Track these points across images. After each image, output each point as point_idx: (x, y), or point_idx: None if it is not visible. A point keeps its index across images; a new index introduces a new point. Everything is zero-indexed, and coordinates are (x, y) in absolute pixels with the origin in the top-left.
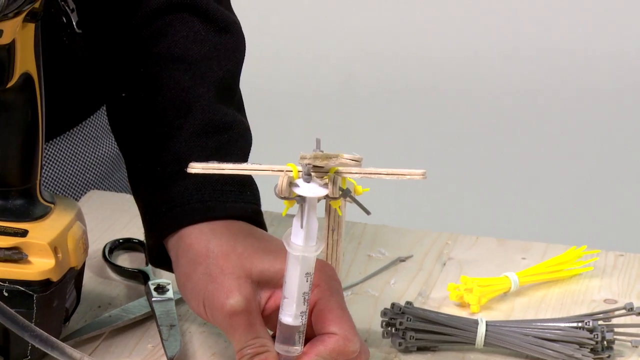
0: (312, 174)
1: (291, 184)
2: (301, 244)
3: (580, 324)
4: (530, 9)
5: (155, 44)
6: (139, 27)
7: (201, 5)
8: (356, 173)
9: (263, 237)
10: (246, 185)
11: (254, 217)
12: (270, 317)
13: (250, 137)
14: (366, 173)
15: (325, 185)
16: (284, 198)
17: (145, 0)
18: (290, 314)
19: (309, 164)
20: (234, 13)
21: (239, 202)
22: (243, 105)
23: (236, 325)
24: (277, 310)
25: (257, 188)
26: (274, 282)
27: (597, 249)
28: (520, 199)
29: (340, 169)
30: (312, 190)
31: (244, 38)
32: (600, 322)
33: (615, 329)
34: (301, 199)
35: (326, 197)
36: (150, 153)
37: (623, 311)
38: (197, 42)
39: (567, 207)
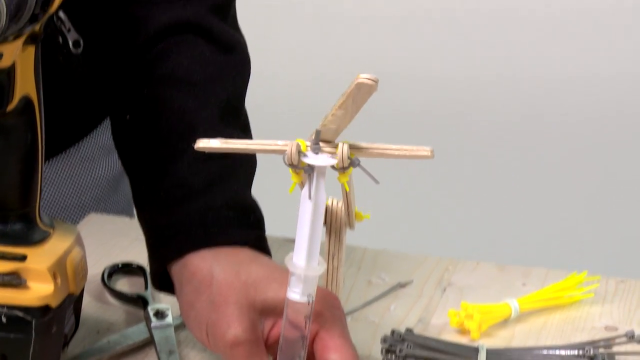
0: (321, 144)
1: (300, 153)
2: (305, 246)
3: (581, 352)
4: (530, 35)
5: (160, 65)
6: (143, 48)
7: (206, 26)
8: (365, 148)
9: (267, 265)
10: (250, 210)
11: (258, 243)
12: (273, 346)
13: (255, 160)
14: (375, 148)
15: (334, 155)
16: (293, 166)
17: (149, 21)
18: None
19: (318, 130)
20: (239, 30)
21: (243, 228)
22: (249, 126)
23: (238, 355)
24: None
25: (261, 213)
26: (278, 311)
27: (597, 275)
28: (521, 224)
29: (350, 142)
30: (321, 158)
31: (249, 57)
32: (601, 350)
33: (617, 357)
34: (310, 169)
35: (334, 167)
36: (154, 176)
37: (624, 339)
38: (201, 63)
39: (567, 233)
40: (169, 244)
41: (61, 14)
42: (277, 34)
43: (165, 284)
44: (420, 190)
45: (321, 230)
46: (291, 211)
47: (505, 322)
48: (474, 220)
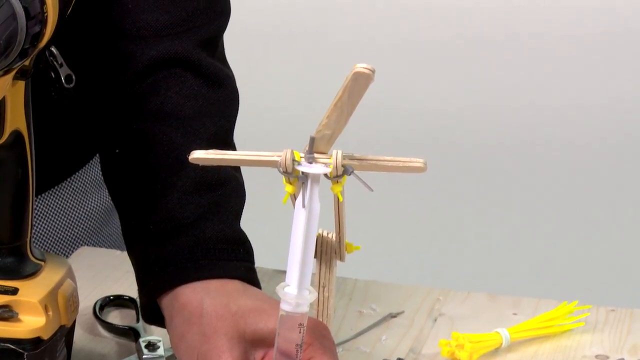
0: (315, 154)
1: (294, 162)
2: (299, 258)
3: None
4: (520, 64)
5: (148, 100)
6: (132, 82)
7: (194, 60)
8: (359, 158)
9: (257, 296)
10: (239, 243)
11: (248, 275)
12: None
13: (244, 192)
14: (368, 159)
15: (328, 165)
16: (287, 174)
17: (138, 56)
18: None
19: (313, 137)
20: (228, 65)
21: (232, 261)
22: None
23: None
24: None
25: (250, 245)
26: (268, 342)
27: (588, 304)
28: (512, 254)
29: (343, 153)
30: (315, 166)
31: (237, 91)
32: None
33: None
34: (304, 177)
35: (328, 176)
36: (143, 211)
37: None
38: (189, 97)
39: (558, 262)
40: (158, 277)
41: (53, 49)
42: (268, 64)
43: (155, 316)
44: (411, 221)
45: (314, 241)
46: (282, 242)
47: (496, 351)
48: (464, 251)
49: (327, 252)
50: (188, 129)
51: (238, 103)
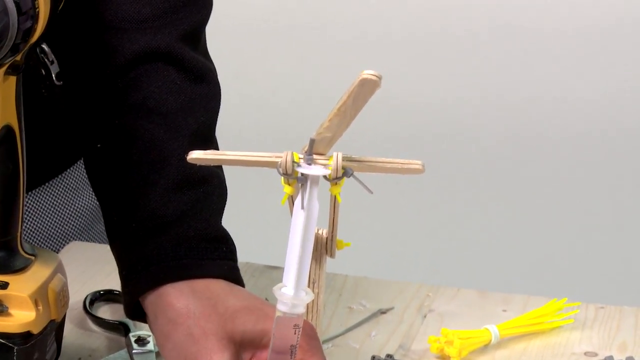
0: (314, 156)
1: (294, 163)
2: (297, 256)
3: None
4: (517, 56)
5: (130, 94)
6: (114, 77)
7: (177, 55)
8: (357, 160)
9: (244, 297)
10: (222, 241)
11: (231, 274)
12: None
13: (226, 189)
14: (367, 161)
15: (327, 166)
16: (286, 176)
17: (119, 50)
18: None
19: (313, 139)
20: (210, 59)
21: (216, 260)
22: None
23: None
24: None
25: (233, 243)
26: (256, 343)
27: (577, 301)
28: (501, 251)
29: (343, 155)
30: (315, 168)
31: (219, 86)
32: None
33: None
34: (303, 178)
35: (327, 178)
36: (125, 208)
37: None
38: (172, 93)
39: (547, 260)
40: (142, 276)
41: (44, 46)
42: (264, 55)
43: (138, 313)
44: (401, 217)
45: (313, 242)
46: (272, 238)
47: (485, 347)
48: (454, 248)
49: (317, 248)
50: (170, 125)
51: (220, 98)
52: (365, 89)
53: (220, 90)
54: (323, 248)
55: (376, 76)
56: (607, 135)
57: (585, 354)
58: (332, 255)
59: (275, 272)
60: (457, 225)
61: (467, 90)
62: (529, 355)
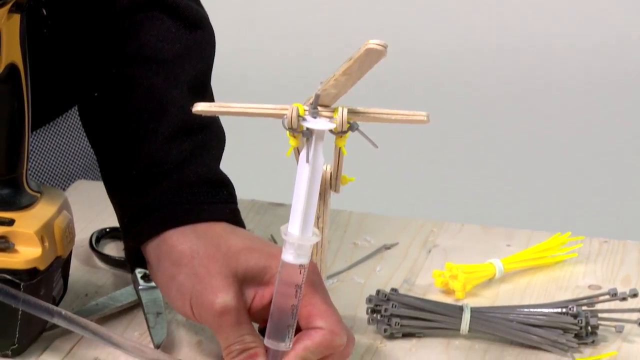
0: (319, 108)
1: (299, 118)
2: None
3: (564, 310)
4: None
5: (127, 43)
6: (110, 25)
7: (171, 2)
8: (362, 112)
9: (245, 236)
10: (222, 186)
11: (233, 217)
12: (255, 315)
13: (224, 134)
14: (372, 112)
15: (332, 119)
16: (292, 130)
17: None
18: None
19: (317, 94)
20: (202, 5)
21: (217, 204)
22: (213, 101)
23: (225, 324)
24: (262, 307)
25: (233, 187)
26: (259, 280)
27: (581, 235)
28: (505, 186)
29: (348, 107)
30: (320, 122)
31: (214, 32)
32: (584, 308)
33: (599, 315)
34: (309, 132)
35: (332, 132)
36: (125, 156)
37: (607, 297)
38: (167, 40)
39: (551, 194)
40: (144, 222)
41: None
42: (269, 6)
43: (139, 260)
44: (406, 153)
45: (317, 194)
46: (276, 176)
47: (489, 282)
48: (458, 183)
49: (322, 183)
50: (168, 72)
51: (215, 44)
52: (371, 57)
53: (214, 36)
54: (327, 183)
55: (382, 45)
56: (611, 71)
57: (589, 287)
58: (336, 190)
59: (280, 209)
60: (461, 161)
61: (472, 33)
62: (533, 288)
